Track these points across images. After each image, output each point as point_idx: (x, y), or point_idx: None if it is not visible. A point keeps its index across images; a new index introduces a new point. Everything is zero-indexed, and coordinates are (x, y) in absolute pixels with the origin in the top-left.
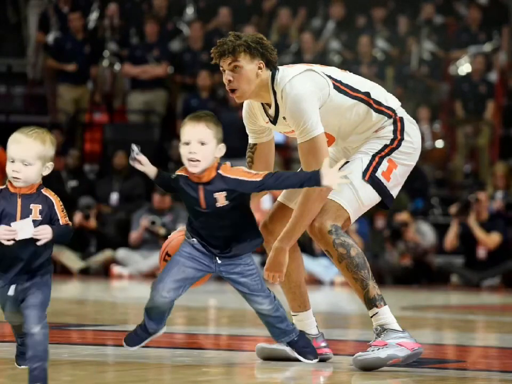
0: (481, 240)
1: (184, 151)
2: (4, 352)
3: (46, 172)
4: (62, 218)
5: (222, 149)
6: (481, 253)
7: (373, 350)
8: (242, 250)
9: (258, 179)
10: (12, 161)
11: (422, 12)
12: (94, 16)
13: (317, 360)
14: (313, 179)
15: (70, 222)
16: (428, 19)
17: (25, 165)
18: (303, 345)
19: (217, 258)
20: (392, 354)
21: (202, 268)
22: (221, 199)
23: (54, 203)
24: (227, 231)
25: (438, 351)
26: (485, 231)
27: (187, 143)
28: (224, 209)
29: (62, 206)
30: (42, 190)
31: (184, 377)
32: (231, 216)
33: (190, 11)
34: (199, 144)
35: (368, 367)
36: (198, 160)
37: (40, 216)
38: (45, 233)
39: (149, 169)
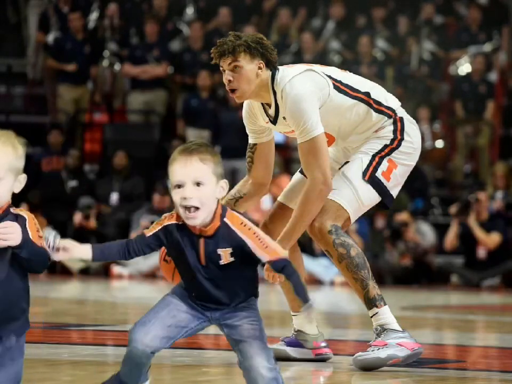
0: (481, 240)
1: (176, 196)
2: None
3: (18, 188)
4: (36, 239)
5: (224, 187)
6: (481, 253)
7: (373, 350)
8: (241, 304)
9: (265, 257)
10: None
11: (422, 12)
12: (94, 16)
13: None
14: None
15: (46, 248)
16: (428, 19)
17: None
18: None
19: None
20: (392, 354)
21: (197, 315)
22: (225, 256)
23: (27, 221)
24: (226, 287)
25: (438, 351)
26: (485, 231)
27: (179, 186)
28: (227, 267)
29: (37, 226)
30: (11, 210)
31: (184, 377)
32: (232, 273)
33: (190, 11)
34: (194, 185)
35: (368, 367)
36: (196, 208)
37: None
38: (11, 232)
39: (80, 251)
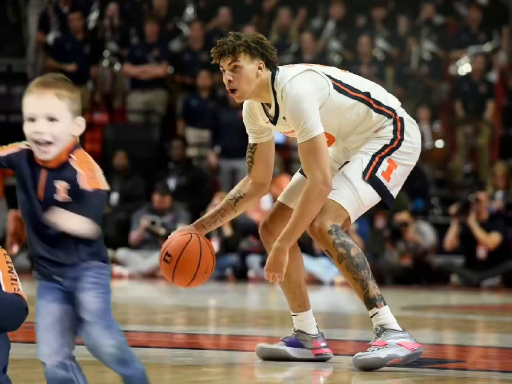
0: (481, 240)
1: (28, 129)
2: None
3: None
4: (8, 286)
5: (81, 124)
6: (481, 253)
7: (373, 350)
8: (79, 258)
9: (87, 186)
10: None
11: (422, 12)
12: (94, 16)
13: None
14: None
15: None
16: (428, 19)
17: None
18: None
19: (55, 276)
20: (392, 354)
21: (59, 295)
22: (61, 191)
23: None
24: (59, 237)
25: (438, 351)
26: (485, 231)
27: (32, 119)
28: (63, 207)
29: (9, 265)
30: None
31: (184, 377)
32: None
33: (190, 11)
34: (47, 120)
35: (368, 367)
36: (49, 143)
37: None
38: None
39: None
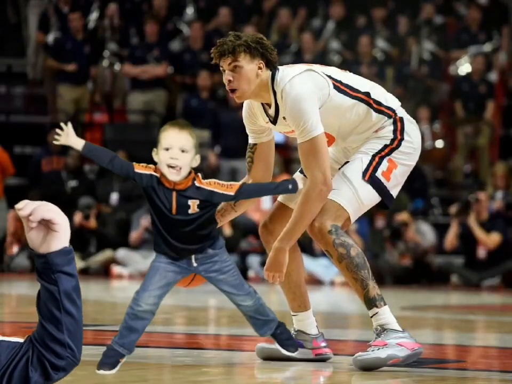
0: (481, 240)
1: (164, 156)
2: None
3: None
4: None
5: (197, 160)
6: (481, 253)
7: (373, 350)
8: (214, 247)
9: (231, 193)
10: None
11: (422, 12)
12: (94, 16)
13: (297, 352)
14: (281, 187)
15: None
16: (428, 19)
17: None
18: (286, 338)
19: (192, 260)
20: (392, 354)
21: (181, 271)
22: (193, 206)
23: None
24: (194, 236)
25: (438, 351)
26: (485, 231)
27: (168, 149)
28: (193, 217)
29: None
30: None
31: (184, 377)
32: (198, 223)
33: (190, 11)
34: (180, 151)
35: (368, 367)
36: (179, 168)
37: None
38: None
39: (74, 141)
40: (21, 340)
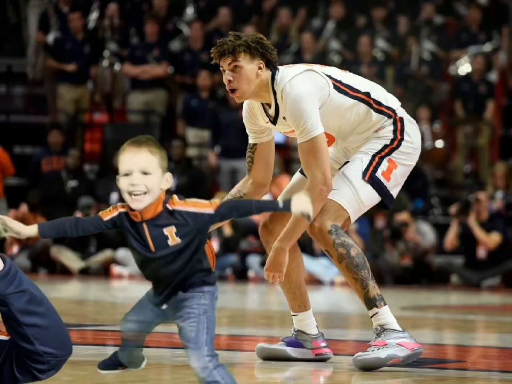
0: (481, 240)
1: (124, 183)
2: None
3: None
4: None
5: (169, 180)
6: (481, 253)
7: (373, 350)
8: (189, 292)
9: (210, 211)
10: None
11: (422, 12)
12: (94, 16)
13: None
14: (271, 207)
15: None
16: (428, 19)
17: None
18: None
19: (163, 304)
20: (392, 354)
21: (158, 313)
22: (171, 236)
23: None
24: (178, 275)
25: (438, 351)
26: (485, 231)
27: (127, 174)
28: (177, 251)
29: None
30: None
31: (184, 377)
32: (183, 258)
33: (190, 11)
34: (142, 174)
35: (368, 367)
36: (143, 193)
37: None
38: None
39: (27, 231)
40: (6, 338)
